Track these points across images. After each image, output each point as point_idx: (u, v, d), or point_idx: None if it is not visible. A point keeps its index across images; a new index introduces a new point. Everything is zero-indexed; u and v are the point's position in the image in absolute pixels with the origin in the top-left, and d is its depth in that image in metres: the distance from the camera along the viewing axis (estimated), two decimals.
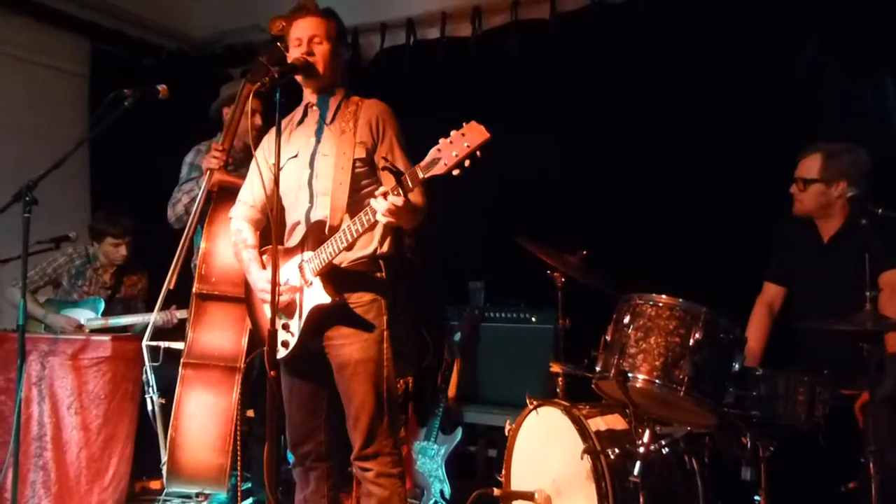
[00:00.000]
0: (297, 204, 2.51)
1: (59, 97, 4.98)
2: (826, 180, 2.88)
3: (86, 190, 5.11)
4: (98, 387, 3.36)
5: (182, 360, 3.10)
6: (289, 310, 2.44)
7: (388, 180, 2.24)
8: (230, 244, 2.87)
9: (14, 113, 4.70)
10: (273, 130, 2.56)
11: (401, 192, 2.12)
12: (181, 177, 3.61)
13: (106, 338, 3.43)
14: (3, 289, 4.06)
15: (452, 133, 2.02)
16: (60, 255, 4.02)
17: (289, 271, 2.43)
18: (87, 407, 3.34)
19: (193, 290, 3.14)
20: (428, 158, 2.05)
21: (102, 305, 3.94)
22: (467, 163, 2.01)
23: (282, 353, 2.44)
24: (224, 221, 3.13)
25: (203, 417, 3.07)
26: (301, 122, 2.56)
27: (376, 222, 2.22)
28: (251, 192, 2.63)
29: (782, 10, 3.54)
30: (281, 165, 2.51)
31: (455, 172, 2.03)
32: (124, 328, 3.88)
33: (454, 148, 2.01)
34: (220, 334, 3.14)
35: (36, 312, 3.86)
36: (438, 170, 2.03)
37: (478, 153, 2.01)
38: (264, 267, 2.51)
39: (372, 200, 2.19)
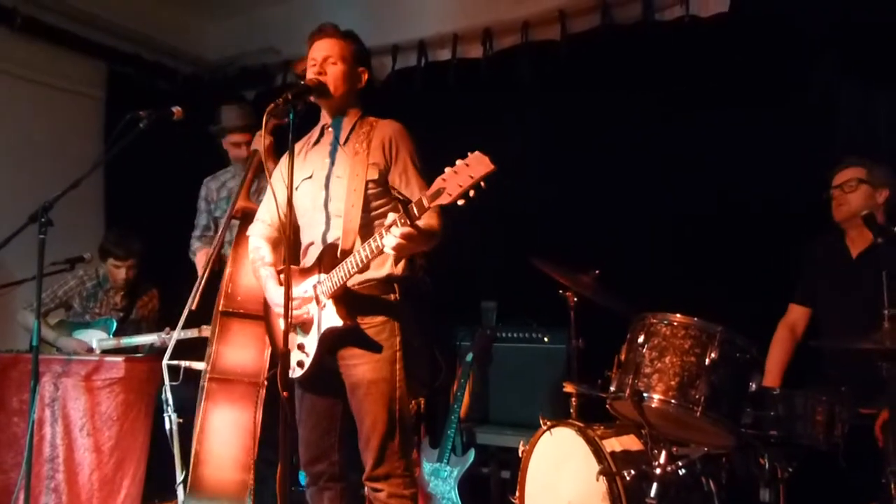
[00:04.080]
0: (311, 224, 2.52)
1: (75, 119, 5.01)
2: (873, 184, 2.92)
3: (100, 212, 5.14)
4: (111, 408, 3.35)
5: (207, 375, 3.14)
6: (305, 328, 2.44)
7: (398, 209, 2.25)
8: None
9: (30, 134, 4.74)
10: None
11: (407, 221, 2.11)
12: (198, 208, 3.82)
13: (119, 359, 3.43)
14: (16, 311, 4.07)
15: (458, 163, 2.01)
16: (71, 278, 4.01)
17: (303, 291, 2.43)
18: (100, 428, 3.33)
19: (220, 308, 3.21)
20: (433, 188, 2.04)
21: (115, 326, 3.93)
22: (472, 193, 2.00)
23: (297, 372, 2.45)
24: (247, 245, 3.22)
25: (226, 433, 3.09)
26: (317, 142, 2.57)
27: (383, 250, 2.21)
28: (268, 211, 2.66)
29: (796, 25, 3.53)
30: (296, 186, 2.53)
31: (460, 202, 2.02)
32: (136, 349, 3.88)
33: (458, 179, 1.99)
34: (242, 351, 3.19)
35: (47, 336, 3.85)
36: (443, 200, 2.02)
37: (482, 184, 1.99)
38: (281, 284, 2.51)
39: (379, 234, 2.19)
